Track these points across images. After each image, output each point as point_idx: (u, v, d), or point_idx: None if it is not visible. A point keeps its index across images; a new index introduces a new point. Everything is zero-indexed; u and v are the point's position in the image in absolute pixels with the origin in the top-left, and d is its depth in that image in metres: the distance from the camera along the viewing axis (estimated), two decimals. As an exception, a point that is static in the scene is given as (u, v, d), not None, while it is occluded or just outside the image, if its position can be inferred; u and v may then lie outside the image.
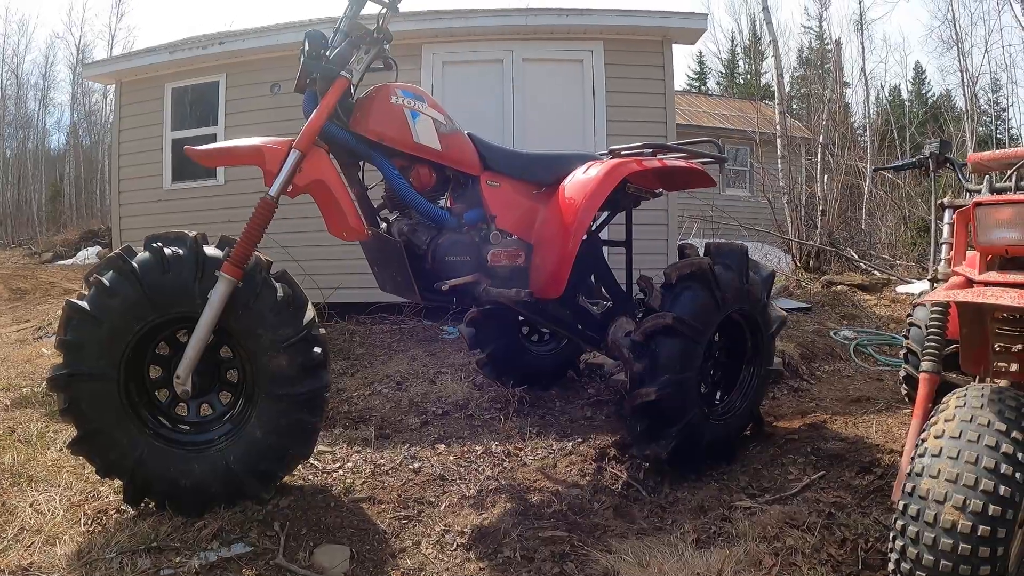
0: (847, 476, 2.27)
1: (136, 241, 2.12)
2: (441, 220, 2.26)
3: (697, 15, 5.40)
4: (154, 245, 1.93)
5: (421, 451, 2.66)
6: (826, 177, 7.34)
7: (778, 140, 7.78)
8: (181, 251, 1.93)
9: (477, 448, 2.70)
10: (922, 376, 1.75)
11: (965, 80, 11.37)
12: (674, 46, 5.34)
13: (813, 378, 3.58)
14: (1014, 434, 1.37)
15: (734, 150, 11.52)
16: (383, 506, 2.12)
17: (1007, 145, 13.78)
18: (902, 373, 2.74)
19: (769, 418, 2.88)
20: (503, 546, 1.90)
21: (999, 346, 1.78)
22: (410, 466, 2.50)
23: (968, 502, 1.31)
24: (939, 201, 1.83)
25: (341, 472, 2.42)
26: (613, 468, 2.50)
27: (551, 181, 2.53)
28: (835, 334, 4.29)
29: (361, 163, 2.36)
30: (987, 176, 1.78)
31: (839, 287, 5.58)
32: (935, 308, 1.74)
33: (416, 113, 2.22)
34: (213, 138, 5.13)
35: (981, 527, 1.28)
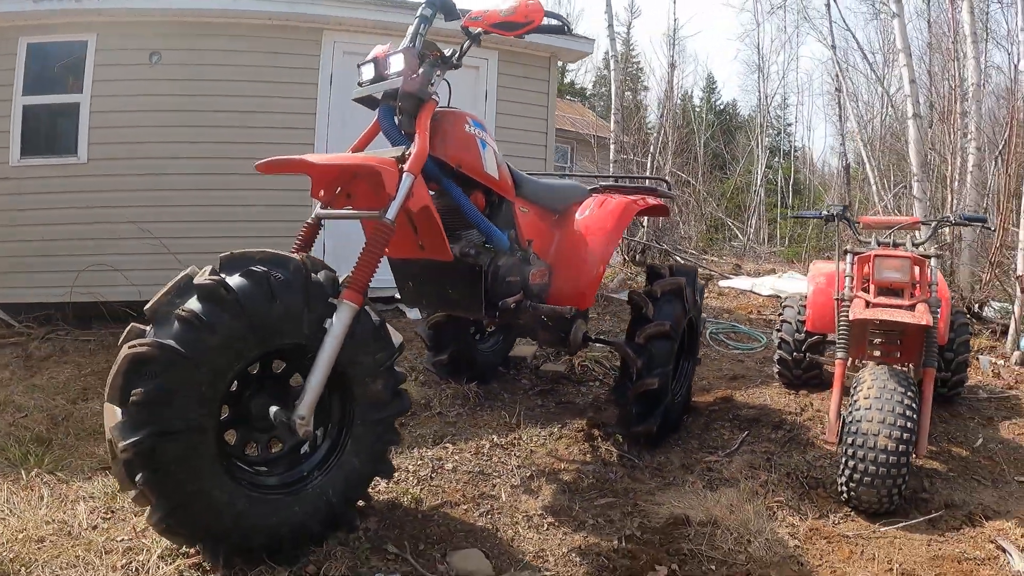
0: (766, 432, 3.19)
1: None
2: (503, 244, 2.50)
3: (585, 39, 6.09)
4: (256, 270, 1.71)
5: (437, 452, 2.88)
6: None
7: (612, 146, 9.07)
8: (283, 276, 1.75)
9: (484, 443, 3.01)
10: (838, 361, 2.65)
11: (761, 99, 14.39)
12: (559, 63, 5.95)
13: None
14: (908, 394, 2.30)
15: (555, 146, 12.79)
16: (462, 508, 2.36)
17: (792, 154, 17.46)
18: (776, 357, 3.82)
19: (687, 395, 3.72)
20: (581, 516, 2.33)
21: (870, 340, 2.81)
22: (444, 467, 2.72)
23: (892, 434, 2.21)
24: (844, 248, 2.76)
25: (386, 484, 2.54)
26: (604, 445, 3.06)
27: (562, 209, 2.93)
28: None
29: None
30: (875, 233, 2.74)
31: (672, 279, 6.92)
32: (844, 318, 2.64)
33: (484, 143, 2.40)
34: (75, 108, 4.23)
35: (900, 446, 2.20)
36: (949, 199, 5.79)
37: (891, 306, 2.53)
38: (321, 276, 1.86)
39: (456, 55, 2.25)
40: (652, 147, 9.90)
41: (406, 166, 1.97)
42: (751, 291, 7.03)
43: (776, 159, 15.11)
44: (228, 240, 4.68)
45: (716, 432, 3.26)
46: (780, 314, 3.86)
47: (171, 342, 1.56)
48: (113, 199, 4.24)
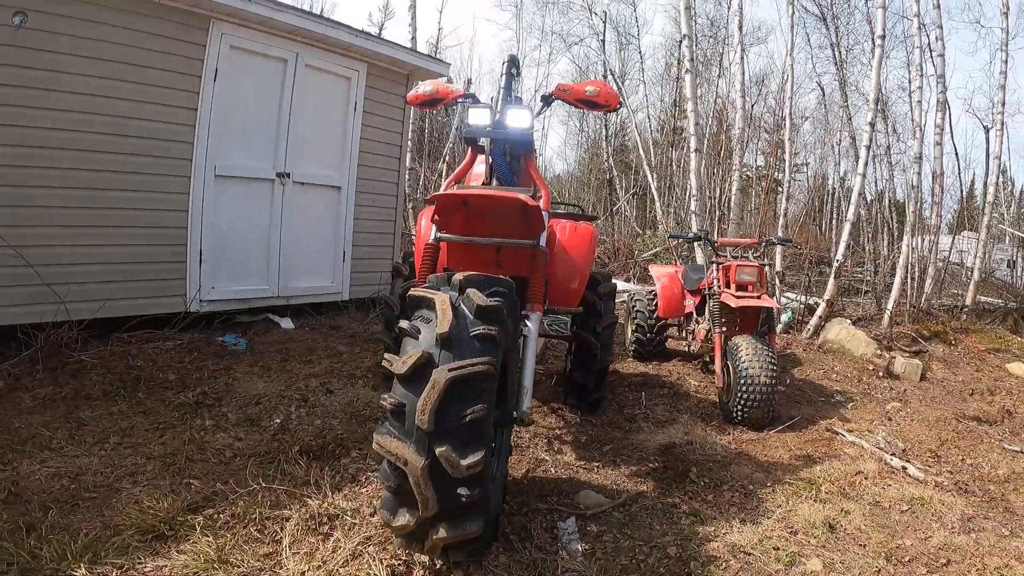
0: (657, 391, 4.50)
1: None
2: (547, 257, 3.13)
3: (441, 63, 6.66)
4: (502, 290, 1.96)
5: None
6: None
7: (407, 154, 9.75)
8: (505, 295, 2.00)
9: (484, 424, 3.58)
10: (717, 334, 4.08)
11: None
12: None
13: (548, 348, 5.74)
14: (769, 351, 3.81)
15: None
16: (540, 470, 2.98)
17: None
18: (633, 339, 5.21)
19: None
20: (606, 458, 3.19)
21: (722, 319, 4.33)
22: (481, 445, 3.24)
23: (765, 374, 3.69)
24: (710, 260, 4.19)
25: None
26: (565, 413, 3.94)
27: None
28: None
29: None
30: (728, 249, 4.26)
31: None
32: (715, 305, 4.08)
33: None
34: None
35: (773, 381, 3.70)
36: (718, 215, 8.29)
37: (747, 297, 4.03)
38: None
39: (536, 110, 2.84)
40: (446, 156, 10.95)
41: (542, 204, 2.56)
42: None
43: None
44: (100, 249, 3.99)
45: (621, 395, 4.44)
46: (633, 306, 5.27)
47: (491, 359, 1.76)
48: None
